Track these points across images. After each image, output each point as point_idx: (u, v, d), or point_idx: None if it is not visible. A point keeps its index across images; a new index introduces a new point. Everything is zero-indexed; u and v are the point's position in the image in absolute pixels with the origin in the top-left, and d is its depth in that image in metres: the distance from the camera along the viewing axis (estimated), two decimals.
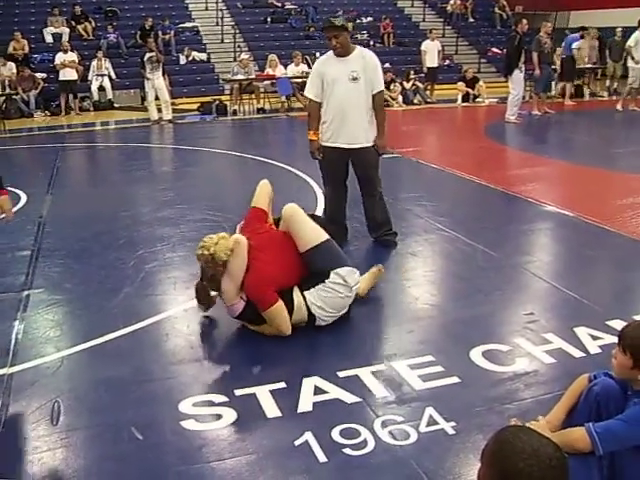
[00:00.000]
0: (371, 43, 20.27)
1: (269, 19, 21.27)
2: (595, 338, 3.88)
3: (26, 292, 4.86)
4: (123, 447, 3.01)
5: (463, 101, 16.19)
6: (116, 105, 17.50)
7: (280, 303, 3.93)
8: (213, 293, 4.22)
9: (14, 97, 16.36)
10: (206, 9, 21.03)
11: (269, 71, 16.20)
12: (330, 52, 5.41)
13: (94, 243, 6.04)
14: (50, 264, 5.53)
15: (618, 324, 3.93)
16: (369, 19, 21.78)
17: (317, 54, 18.91)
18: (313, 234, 4.16)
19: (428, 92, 16.90)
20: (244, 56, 16.25)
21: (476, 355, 3.73)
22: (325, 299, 4.01)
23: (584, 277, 4.97)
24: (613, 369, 2.59)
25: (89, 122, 15.45)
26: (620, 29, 17.00)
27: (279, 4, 22.06)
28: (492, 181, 7.91)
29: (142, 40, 18.90)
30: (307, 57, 18.14)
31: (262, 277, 3.96)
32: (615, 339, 2.61)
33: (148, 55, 14.18)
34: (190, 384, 3.55)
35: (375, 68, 5.35)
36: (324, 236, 4.18)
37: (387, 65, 18.73)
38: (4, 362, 3.80)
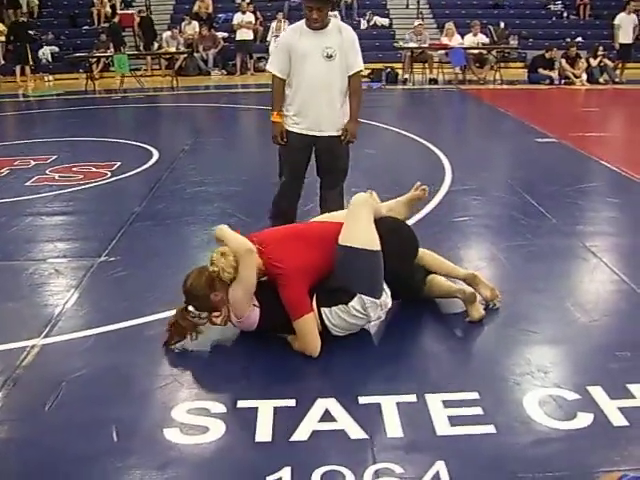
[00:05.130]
0: (564, 14, 18.71)
1: None
2: None
3: (99, 259, 4.81)
4: (92, 446, 2.78)
5: None
6: None
7: (312, 315, 3.41)
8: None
9: (194, 55, 16.99)
10: None
11: (444, 40, 15.42)
12: (300, 23, 4.66)
13: (192, 214, 5.91)
14: (140, 231, 5.46)
15: None
16: None
17: (502, 24, 17.77)
18: (364, 236, 3.51)
19: (618, 71, 15.24)
20: (417, 23, 15.61)
21: (531, 399, 3.07)
22: (341, 321, 3.49)
23: None
24: None
25: (253, 83, 15.70)
26: None
27: None
28: None
29: None
30: (490, 27, 17.11)
31: (294, 267, 3.39)
32: None
33: None
34: (195, 385, 3.26)
35: (353, 44, 4.62)
36: (374, 247, 3.51)
37: (579, 39, 17.25)
38: (39, 332, 3.74)
